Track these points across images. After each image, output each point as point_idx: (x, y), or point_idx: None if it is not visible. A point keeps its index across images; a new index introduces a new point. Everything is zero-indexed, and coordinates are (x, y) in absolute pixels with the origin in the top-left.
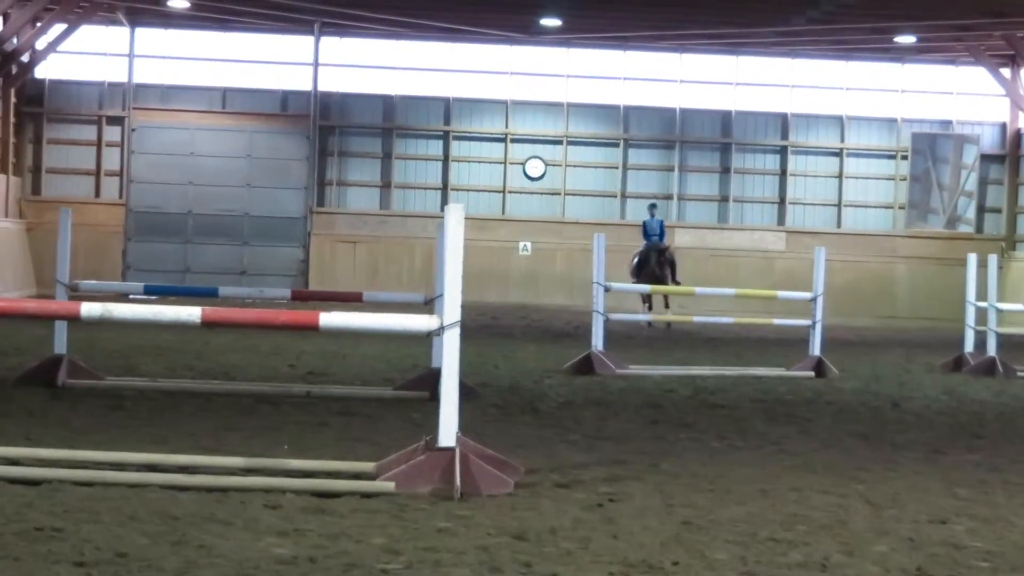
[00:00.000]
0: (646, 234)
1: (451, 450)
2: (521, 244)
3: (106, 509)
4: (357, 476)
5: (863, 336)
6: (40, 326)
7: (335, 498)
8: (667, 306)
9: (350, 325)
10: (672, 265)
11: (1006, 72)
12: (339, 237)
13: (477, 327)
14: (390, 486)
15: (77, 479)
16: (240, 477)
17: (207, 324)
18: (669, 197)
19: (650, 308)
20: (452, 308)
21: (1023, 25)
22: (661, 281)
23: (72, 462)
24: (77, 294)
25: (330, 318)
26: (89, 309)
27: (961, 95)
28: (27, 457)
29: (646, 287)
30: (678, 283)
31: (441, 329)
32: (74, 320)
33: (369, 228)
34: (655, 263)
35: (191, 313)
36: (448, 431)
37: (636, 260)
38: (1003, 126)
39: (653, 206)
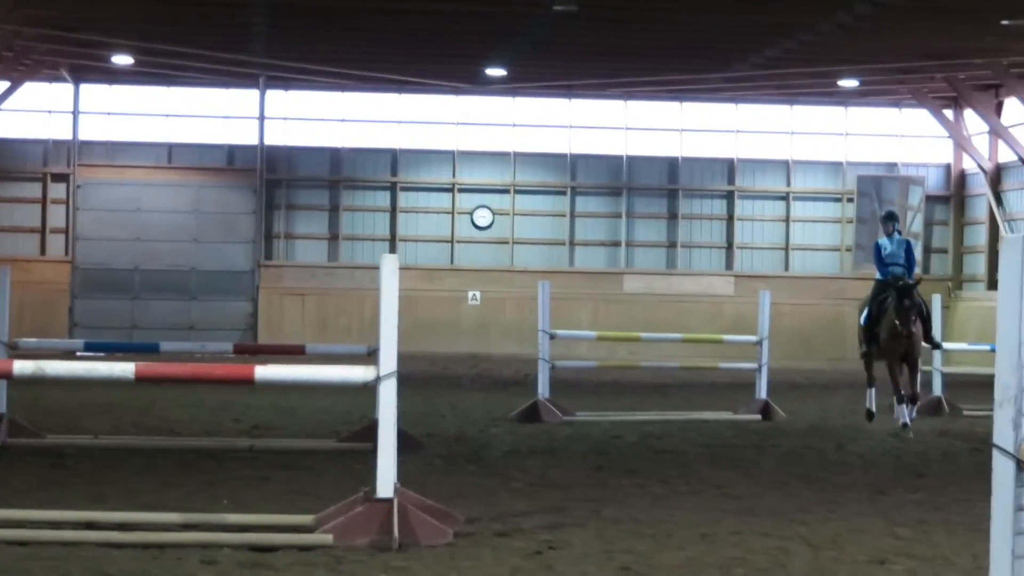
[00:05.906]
0: (881, 262)
1: (389, 501)
2: (470, 294)
3: (40, 568)
4: (296, 529)
5: (812, 379)
6: None
7: (273, 552)
8: (913, 390)
9: (286, 378)
10: (924, 315)
11: (949, 114)
12: (287, 290)
13: (425, 377)
14: (328, 538)
15: (11, 538)
16: (177, 533)
17: (141, 380)
18: (617, 244)
19: (898, 399)
20: (388, 358)
21: (964, 67)
22: (907, 342)
23: (8, 521)
24: (17, 352)
25: (266, 371)
26: (22, 367)
27: (905, 137)
28: None
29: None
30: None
31: (378, 379)
32: (8, 378)
33: (317, 280)
34: (895, 311)
35: (124, 369)
36: (386, 482)
37: (867, 310)
38: (947, 167)
39: (890, 218)
